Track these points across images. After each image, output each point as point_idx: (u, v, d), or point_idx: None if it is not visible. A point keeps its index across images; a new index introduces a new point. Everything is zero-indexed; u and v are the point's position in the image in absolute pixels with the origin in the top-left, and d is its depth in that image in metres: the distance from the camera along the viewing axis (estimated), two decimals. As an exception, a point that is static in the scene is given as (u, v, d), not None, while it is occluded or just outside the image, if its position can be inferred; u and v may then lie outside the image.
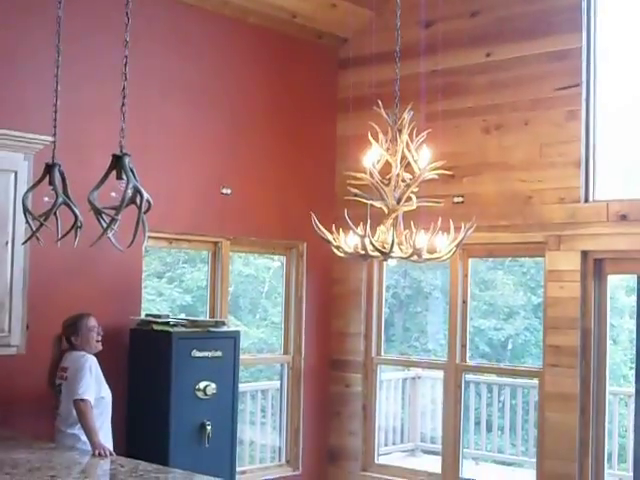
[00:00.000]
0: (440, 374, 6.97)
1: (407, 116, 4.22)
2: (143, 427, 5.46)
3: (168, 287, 8.99)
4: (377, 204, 4.22)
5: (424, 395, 8.58)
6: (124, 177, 3.15)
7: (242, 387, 6.28)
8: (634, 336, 6.68)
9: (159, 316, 5.65)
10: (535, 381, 6.55)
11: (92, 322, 4.91)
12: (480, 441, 8.25)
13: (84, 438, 4.59)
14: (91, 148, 5.21)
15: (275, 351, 7.23)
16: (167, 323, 5.48)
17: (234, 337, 5.77)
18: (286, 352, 6.97)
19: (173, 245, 6.27)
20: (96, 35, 5.43)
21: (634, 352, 6.63)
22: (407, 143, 4.20)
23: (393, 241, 3.98)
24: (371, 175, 4.16)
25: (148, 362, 5.49)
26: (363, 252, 4.13)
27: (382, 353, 7.12)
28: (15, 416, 4.99)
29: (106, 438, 4.69)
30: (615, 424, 7.31)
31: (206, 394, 5.49)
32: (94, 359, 4.80)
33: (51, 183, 3.63)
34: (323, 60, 7.13)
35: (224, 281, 6.37)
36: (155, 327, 5.48)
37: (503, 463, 8.34)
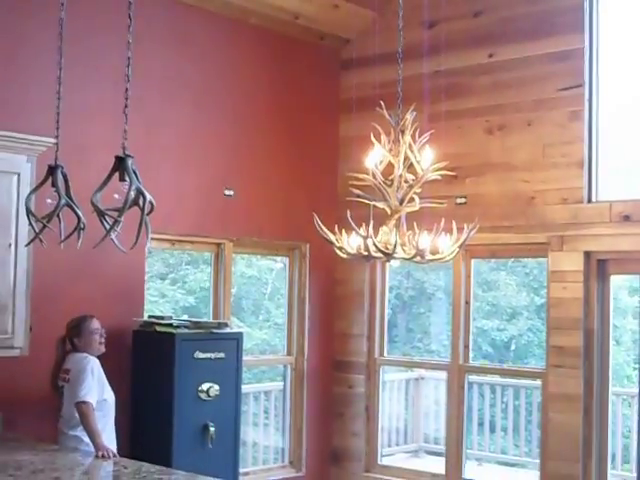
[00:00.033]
0: (443, 375, 6.96)
1: (410, 117, 4.22)
2: (146, 428, 5.45)
3: (171, 288, 8.98)
4: (380, 205, 4.23)
5: (427, 396, 8.56)
6: (127, 179, 3.15)
7: (245, 388, 6.26)
8: (637, 336, 6.68)
9: (162, 317, 5.65)
10: (538, 382, 6.53)
11: (95, 324, 4.91)
12: (483, 442, 8.24)
13: (87, 440, 4.59)
14: (94, 150, 5.21)
15: (278, 352, 7.23)
16: (170, 325, 5.47)
17: (237, 338, 5.77)
18: (289, 353, 6.97)
19: (176, 246, 6.27)
20: (98, 37, 5.43)
21: (637, 352, 6.62)
22: (410, 144, 4.20)
23: (396, 242, 3.98)
24: (374, 176, 4.16)
25: (151, 364, 5.49)
26: (366, 253, 4.13)
27: (385, 354, 7.12)
28: (18, 418, 4.98)
29: (109, 440, 4.69)
30: (618, 425, 7.28)
31: (209, 395, 5.48)
32: (96, 361, 4.80)
33: (54, 185, 3.63)
34: (325, 61, 7.12)
35: (227, 282, 6.36)
36: (158, 329, 5.47)
37: (506, 464, 8.30)
